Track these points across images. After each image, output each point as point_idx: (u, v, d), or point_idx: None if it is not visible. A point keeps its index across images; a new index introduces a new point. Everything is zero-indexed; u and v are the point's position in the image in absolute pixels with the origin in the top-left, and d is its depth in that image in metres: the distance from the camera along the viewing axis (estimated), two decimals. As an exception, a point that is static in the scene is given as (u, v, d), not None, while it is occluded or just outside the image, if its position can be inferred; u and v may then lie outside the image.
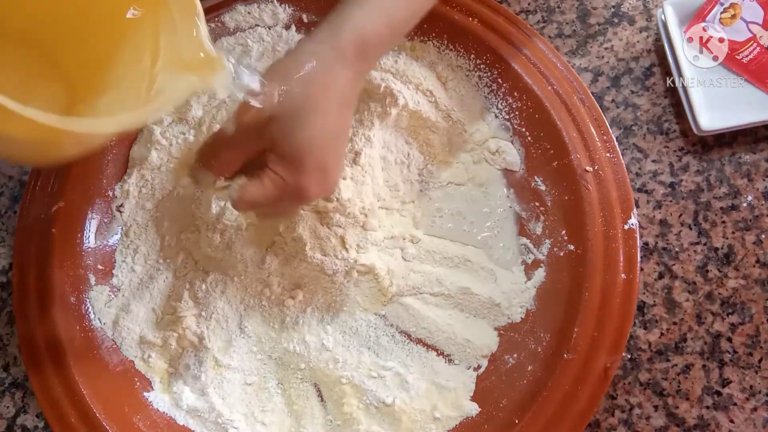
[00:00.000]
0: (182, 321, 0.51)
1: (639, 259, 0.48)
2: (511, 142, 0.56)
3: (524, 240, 0.54)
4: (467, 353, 0.52)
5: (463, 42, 0.56)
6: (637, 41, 0.60)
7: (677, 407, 0.51)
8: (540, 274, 0.52)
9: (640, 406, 0.52)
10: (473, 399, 0.51)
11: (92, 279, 0.54)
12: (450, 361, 0.52)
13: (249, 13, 0.57)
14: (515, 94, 0.55)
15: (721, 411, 0.51)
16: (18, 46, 0.36)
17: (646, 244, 0.55)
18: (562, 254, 0.51)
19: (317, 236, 0.50)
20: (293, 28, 0.58)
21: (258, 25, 0.58)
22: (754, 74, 0.56)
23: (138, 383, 0.52)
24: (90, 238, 0.55)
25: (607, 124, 0.52)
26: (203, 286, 0.52)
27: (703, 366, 0.52)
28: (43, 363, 0.49)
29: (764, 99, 0.56)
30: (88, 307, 0.53)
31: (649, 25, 0.60)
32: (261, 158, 0.43)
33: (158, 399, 0.52)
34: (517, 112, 0.55)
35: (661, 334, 0.53)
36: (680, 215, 0.55)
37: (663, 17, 0.57)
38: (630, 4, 0.61)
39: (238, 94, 0.40)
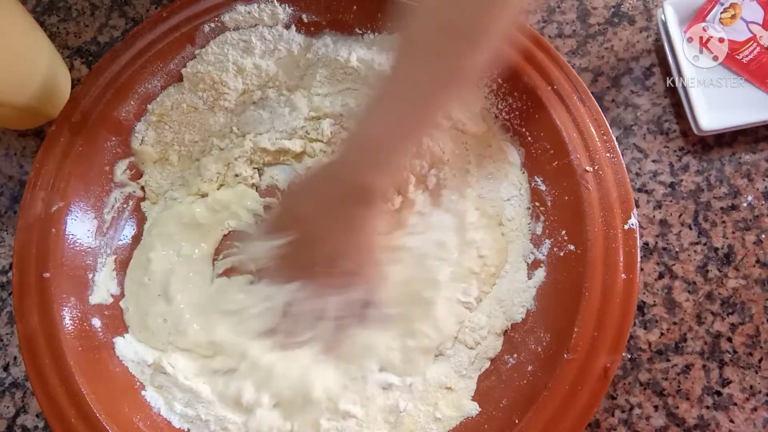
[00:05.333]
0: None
1: (639, 259, 0.48)
2: (511, 142, 0.56)
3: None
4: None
5: (463, 42, 0.56)
6: (637, 41, 0.60)
7: (677, 407, 0.51)
8: (540, 274, 0.52)
9: (640, 406, 0.52)
10: (473, 399, 0.51)
11: (92, 279, 0.54)
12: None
13: (249, 13, 0.57)
14: (515, 94, 0.55)
15: (721, 411, 0.51)
16: None
17: (646, 244, 0.55)
18: (562, 254, 0.51)
19: None
20: (293, 27, 0.58)
21: (258, 25, 0.58)
22: (754, 74, 0.56)
23: (138, 383, 0.52)
24: (90, 238, 0.55)
25: (607, 124, 0.52)
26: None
27: (703, 366, 0.52)
28: (43, 363, 0.49)
29: (764, 99, 0.56)
30: (88, 308, 0.53)
31: (649, 25, 0.60)
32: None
33: (156, 400, 0.52)
34: (517, 112, 0.55)
35: (661, 334, 0.53)
36: (680, 215, 0.55)
37: (663, 17, 0.57)
38: (630, 4, 0.61)
39: None
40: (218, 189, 0.58)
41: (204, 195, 0.58)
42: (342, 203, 0.48)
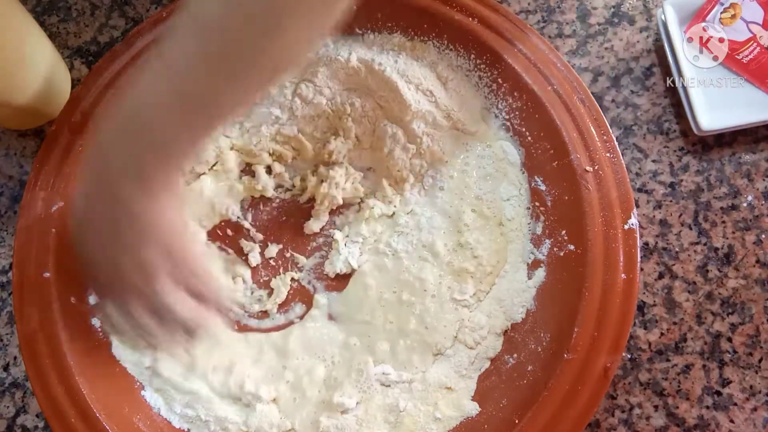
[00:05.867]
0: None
1: (639, 259, 0.48)
2: (511, 142, 0.56)
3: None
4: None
5: (463, 42, 0.56)
6: (637, 41, 0.60)
7: (677, 407, 0.51)
8: (540, 274, 0.52)
9: (640, 406, 0.52)
10: (473, 399, 0.51)
11: (92, 279, 0.54)
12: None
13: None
14: (515, 94, 0.55)
15: (721, 411, 0.51)
16: None
17: (646, 244, 0.55)
18: (562, 254, 0.51)
19: None
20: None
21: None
22: (754, 74, 0.56)
23: (137, 383, 0.52)
24: (90, 238, 0.55)
25: (607, 124, 0.52)
26: None
27: (703, 366, 0.52)
28: (43, 363, 0.49)
29: (764, 99, 0.56)
30: (88, 307, 0.53)
31: (649, 25, 0.60)
32: None
33: (156, 400, 0.52)
34: (517, 112, 0.55)
35: (661, 334, 0.53)
36: (680, 215, 0.55)
37: (663, 17, 0.57)
38: (630, 4, 0.61)
39: None
40: (209, 169, 0.58)
41: (199, 175, 0.57)
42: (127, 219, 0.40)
